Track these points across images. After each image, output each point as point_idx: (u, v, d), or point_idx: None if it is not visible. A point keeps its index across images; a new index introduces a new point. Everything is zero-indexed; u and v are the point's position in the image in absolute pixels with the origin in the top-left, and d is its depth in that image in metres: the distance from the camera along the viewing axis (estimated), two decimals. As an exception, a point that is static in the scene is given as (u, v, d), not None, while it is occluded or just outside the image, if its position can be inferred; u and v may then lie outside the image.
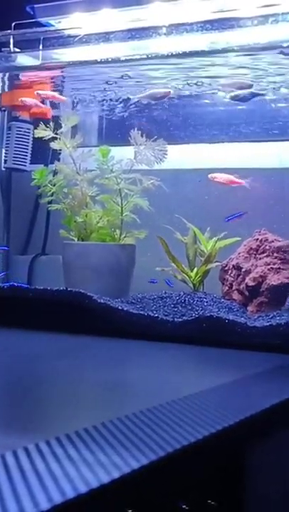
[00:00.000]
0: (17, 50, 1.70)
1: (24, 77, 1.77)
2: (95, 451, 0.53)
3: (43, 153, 1.83)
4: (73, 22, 1.63)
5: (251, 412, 0.71)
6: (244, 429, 0.69)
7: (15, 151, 1.83)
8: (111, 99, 1.79)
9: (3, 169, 1.89)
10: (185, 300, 1.36)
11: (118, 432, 0.58)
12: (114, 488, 0.47)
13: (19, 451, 0.51)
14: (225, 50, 1.47)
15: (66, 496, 0.43)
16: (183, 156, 1.77)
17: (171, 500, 0.64)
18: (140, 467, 0.51)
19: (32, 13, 1.69)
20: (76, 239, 1.57)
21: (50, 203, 1.63)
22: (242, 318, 1.25)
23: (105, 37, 1.58)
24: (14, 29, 1.67)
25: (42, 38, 1.65)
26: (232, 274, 1.41)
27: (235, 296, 1.39)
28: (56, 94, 1.76)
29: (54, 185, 1.59)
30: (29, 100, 1.76)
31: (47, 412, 0.72)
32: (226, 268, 1.43)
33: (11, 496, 0.42)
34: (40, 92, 1.74)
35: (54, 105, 1.86)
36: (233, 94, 1.54)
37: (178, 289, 1.45)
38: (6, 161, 1.85)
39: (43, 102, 1.79)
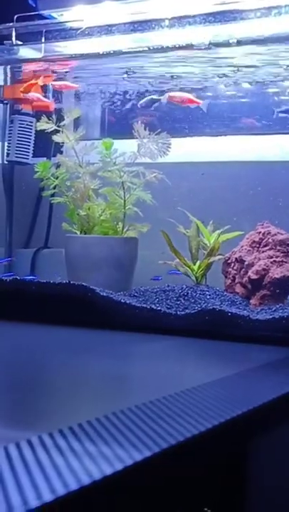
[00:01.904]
0: (19, 42, 1.70)
1: (26, 69, 1.77)
2: (98, 444, 0.53)
3: (46, 146, 1.83)
4: (75, 14, 1.63)
5: (254, 404, 0.71)
6: (247, 421, 0.69)
7: (17, 144, 1.83)
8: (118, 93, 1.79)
9: (6, 162, 1.88)
10: (188, 293, 1.36)
11: (121, 425, 0.58)
12: (117, 480, 0.47)
13: (22, 443, 0.51)
14: (228, 43, 1.46)
15: (69, 487, 0.43)
16: (186, 150, 1.77)
17: (174, 492, 0.64)
18: (143, 459, 0.51)
19: (34, 5, 1.69)
20: (79, 232, 1.57)
21: (52, 195, 1.63)
22: (245, 311, 1.25)
23: (108, 29, 1.58)
24: (16, 22, 1.67)
25: (44, 30, 1.65)
26: (235, 267, 1.41)
27: (238, 289, 1.39)
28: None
29: (57, 178, 1.59)
30: (31, 95, 1.76)
31: (50, 405, 0.72)
32: (229, 261, 1.43)
33: (14, 488, 0.42)
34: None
35: (57, 98, 1.85)
36: None
37: (181, 282, 1.45)
38: (8, 154, 1.85)
39: (44, 93, 1.79)
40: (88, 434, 0.55)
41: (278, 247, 1.35)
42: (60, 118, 1.60)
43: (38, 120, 1.65)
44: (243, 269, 1.38)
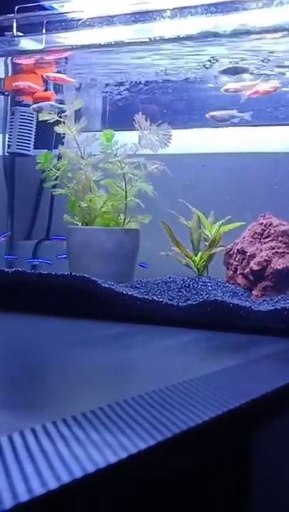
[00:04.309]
0: (20, 34, 1.69)
1: (27, 61, 1.76)
2: (101, 432, 0.53)
3: (47, 138, 1.83)
4: (76, 5, 1.62)
5: (257, 394, 0.71)
6: (250, 411, 0.69)
7: (18, 135, 1.82)
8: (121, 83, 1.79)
9: (7, 154, 1.88)
10: (189, 285, 1.36)
11: (124, 414, 0.59)
12: (122, 468, 0.47)
13: (26, 432, 0.51)
14: (229, 33, 1.46)
15: (74, 475, 0.43)
16: (187, 141, 1.76)
17: (177, 481, 0.64)
18: (147, 448, 0.51)
19: (35, -4, 1.68)
20: (80, 224, 1.57)
21: (54, 187, 1.63)
22: (246, 303, 1.25)
23: (109, 20, 1.57)
24: (17, 13, 1.66)
25: (45, 21, 1.64)
26: (236, 259, 1.41)
27: (240, 280, 1.39)
28: (64, 76, 1.76)
29: (58, 170, 1.59)
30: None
31: (53, 395, 0.72)
32: (231, 252, 1.43)
33: (19, 476, 0.43)
34: (48, 74, 1.74)
35: (57, 89, 1.85)
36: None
37: (182, 273, 1.45)
38: (9, 145, 1.85)
39: (46, 85, 1.79)
40: (92, 423, 0.55)
41: (280, 238, 1.35)
42: (61, 109, 1.59)
43: (39, 112, 1.65)
44: (245, 261, 1.38)
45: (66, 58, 1.74)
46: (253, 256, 1.36)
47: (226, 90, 1.62)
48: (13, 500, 0.39)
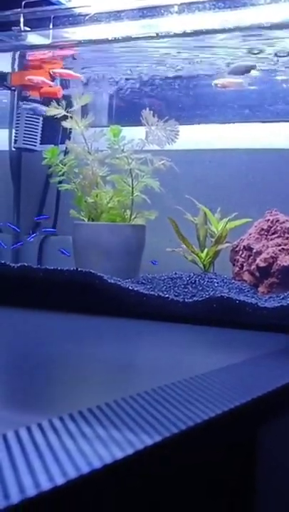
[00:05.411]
0: (27, 28, 1.69)
1: (34, 56, 1.76)
2: (108, 428, 0.53)
3: (53, 133, 1.83)
4: (83, 0, 1.62)
5: (263, 391, 0.71)
6: (255, 408, 0.69)
7: (25, 131, 1.82)
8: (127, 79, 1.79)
9: (13, 149, 1.88)
10: (195, 281, 1.36)
11: (131, 410, 0.59)
12: (128, 464, 0.47)
13: (33, 427, 0.51)
14: (237, 29, 1.45)
15: (80, 471, 0.43)
16: (194, 137, 1.76)
17: (184, 478, 0.64)
18: (153, 444, 0.51)
19: (42, -9, 1.68)
20: (86, 219, 1.57)
21: (60, 182, 1.63)
22: (253, 299, 1.25)
23: (116, 15, 1.57)
24: (24, 7, 1.66)
25: (52, 16, 1.64)
26: (243, 255, 1.41)
27: (246, 277, 1.39)
28: (71, 71, 1.76)
29: (65, 165, 1.58)
30: (36, 78, 1.76)
31: (59, 391, 0.72)
32: (237, 249, 1.43)
33: (26, 471, 0.43)
34: (55, 70, 1.74)
35: (64, 85, 1.85)
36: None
37: (188, 269, 1.45)
38: (16, 140, 1.85)
39: (53, 81, 1.79)
40: (98, 419, 0.55)
41: (287, 235, 1.35)
42: (68, 104, 1.59)
43: (46, 106, 1.65)
44: (251, 257, 1.38)
45: (73, 54, 1.74)
46: (259, 253, 1.36)
47: (215, 85, 1.63)
48: (20, 494, 0.39)
